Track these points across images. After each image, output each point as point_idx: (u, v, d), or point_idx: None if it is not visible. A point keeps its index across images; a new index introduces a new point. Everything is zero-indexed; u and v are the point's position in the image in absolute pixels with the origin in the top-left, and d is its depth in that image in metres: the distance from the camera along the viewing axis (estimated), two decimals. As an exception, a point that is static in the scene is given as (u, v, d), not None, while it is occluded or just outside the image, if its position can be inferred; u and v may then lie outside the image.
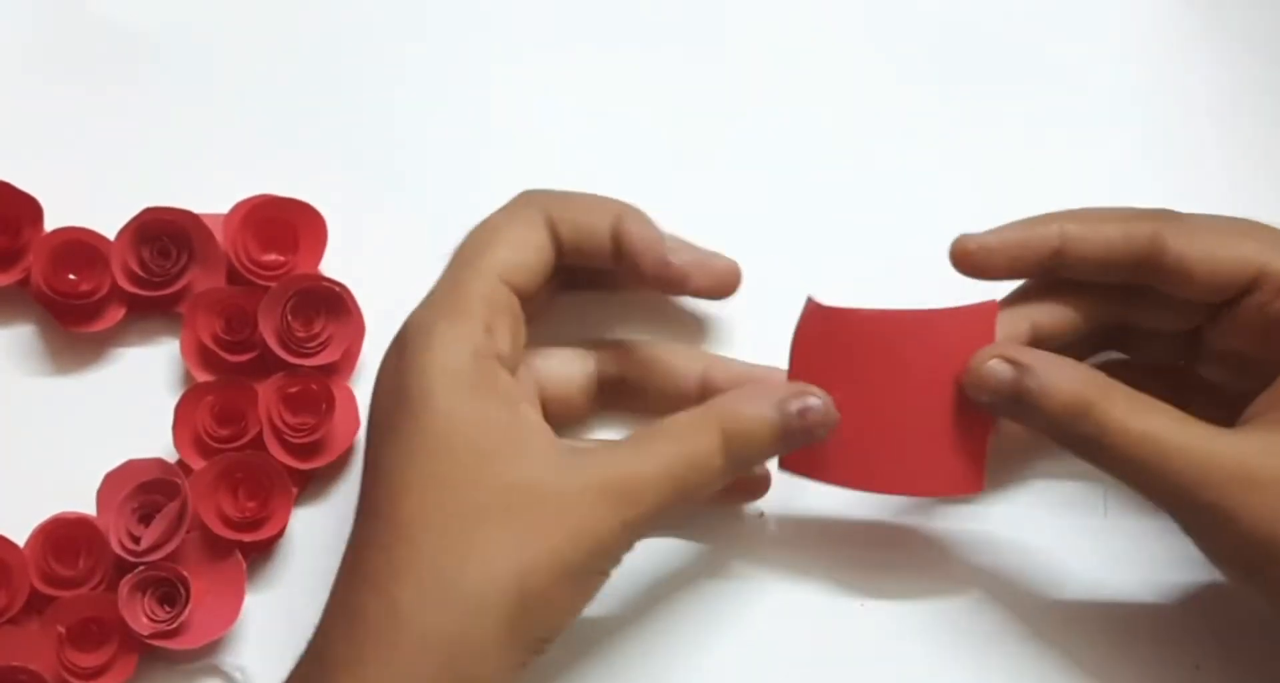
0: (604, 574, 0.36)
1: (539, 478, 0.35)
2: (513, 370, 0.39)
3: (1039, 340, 0.40)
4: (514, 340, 0.39)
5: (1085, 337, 0.41)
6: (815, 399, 0.37)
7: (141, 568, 0.41)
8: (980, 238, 0.40)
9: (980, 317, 0.38)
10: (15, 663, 0.40)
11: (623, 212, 0.40)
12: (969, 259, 0.40)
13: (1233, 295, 0.38)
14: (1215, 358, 0.41)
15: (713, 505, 0.43)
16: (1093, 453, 0.37)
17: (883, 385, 0.38)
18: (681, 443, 0.36)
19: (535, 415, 0.38)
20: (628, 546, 0.36)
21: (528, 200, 0.41)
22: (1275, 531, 0.35)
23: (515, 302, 0.39)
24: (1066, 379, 0.37)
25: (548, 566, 0.34)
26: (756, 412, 0.37)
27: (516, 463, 0.35)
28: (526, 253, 0.39)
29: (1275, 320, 0.38)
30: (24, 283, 0.44)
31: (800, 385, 0.38)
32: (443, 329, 0.37)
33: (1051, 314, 0.40)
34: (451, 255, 0.40)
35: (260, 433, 0.43)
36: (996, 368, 0.37)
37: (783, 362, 0.40)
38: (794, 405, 0.37)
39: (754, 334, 0.44)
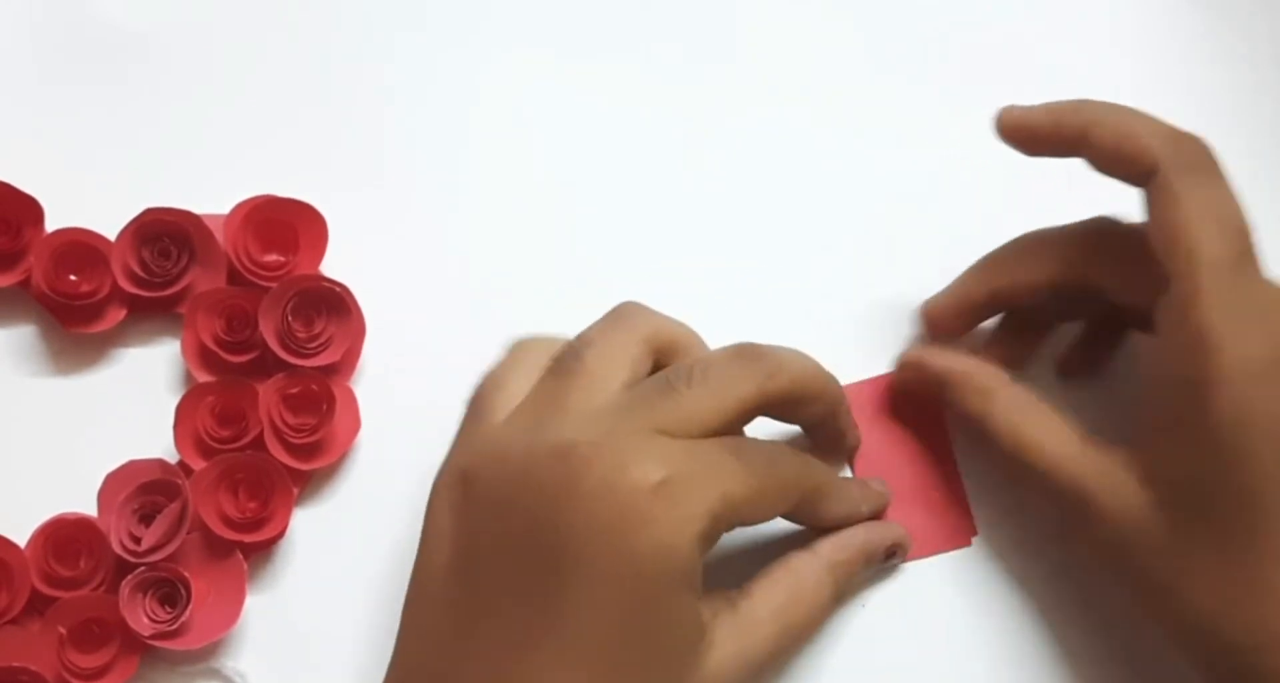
0: None
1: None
2: None
3: (997, 304, 0.42)
4: None
5: (1045, 303, 0.42)
6: (898, 542, 0.41)
7: (142, 569, 0.41)
8: (1024, 116, 0.40)
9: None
10: (16, 664, 0.40)
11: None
12: (1017, 133, 0.41)
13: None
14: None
15: None
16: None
17: (881, 454, 0.43)
18: (808, 605, 0.39)
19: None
20: None
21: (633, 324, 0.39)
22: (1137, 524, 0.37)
23: None
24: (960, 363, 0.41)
25: None
26: (859, 562, 0.40)
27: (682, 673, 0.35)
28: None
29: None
30: (25, 284, 0.44)
31: (885, 528, 0.41)
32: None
33: (1012, 277, 0.41)
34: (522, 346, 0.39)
35: (261, 433, 0.43)
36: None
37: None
38: (884, 551, 0.41)
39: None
